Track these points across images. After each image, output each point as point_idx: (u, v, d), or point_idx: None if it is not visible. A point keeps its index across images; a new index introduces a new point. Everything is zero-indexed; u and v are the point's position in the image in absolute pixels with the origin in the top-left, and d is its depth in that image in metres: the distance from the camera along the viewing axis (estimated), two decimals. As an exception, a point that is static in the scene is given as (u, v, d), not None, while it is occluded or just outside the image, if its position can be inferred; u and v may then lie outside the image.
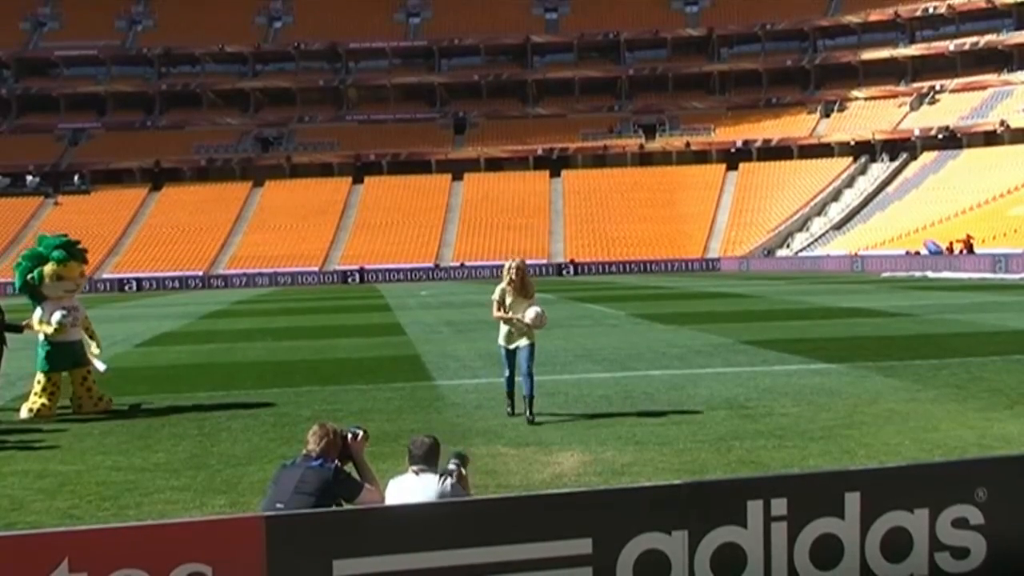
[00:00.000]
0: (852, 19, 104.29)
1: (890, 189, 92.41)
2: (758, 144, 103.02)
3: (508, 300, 12.91)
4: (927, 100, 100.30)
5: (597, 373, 17.69)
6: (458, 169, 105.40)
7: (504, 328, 13.00)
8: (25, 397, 15.27)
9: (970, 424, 11.90)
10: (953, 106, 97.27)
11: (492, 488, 9.04)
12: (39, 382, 14.77)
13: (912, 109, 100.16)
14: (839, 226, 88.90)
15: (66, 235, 15.69)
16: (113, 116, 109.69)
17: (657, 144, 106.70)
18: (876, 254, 73.32)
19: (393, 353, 22.06)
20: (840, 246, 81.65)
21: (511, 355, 13.00)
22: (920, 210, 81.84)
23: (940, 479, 6.55)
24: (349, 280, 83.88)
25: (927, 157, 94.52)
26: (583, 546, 5.90)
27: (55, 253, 15.07)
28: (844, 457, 10.26)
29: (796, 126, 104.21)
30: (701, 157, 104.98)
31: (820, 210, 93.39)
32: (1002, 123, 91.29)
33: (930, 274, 59.65)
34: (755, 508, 6.16)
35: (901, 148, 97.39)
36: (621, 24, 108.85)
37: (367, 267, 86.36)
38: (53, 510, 9.08)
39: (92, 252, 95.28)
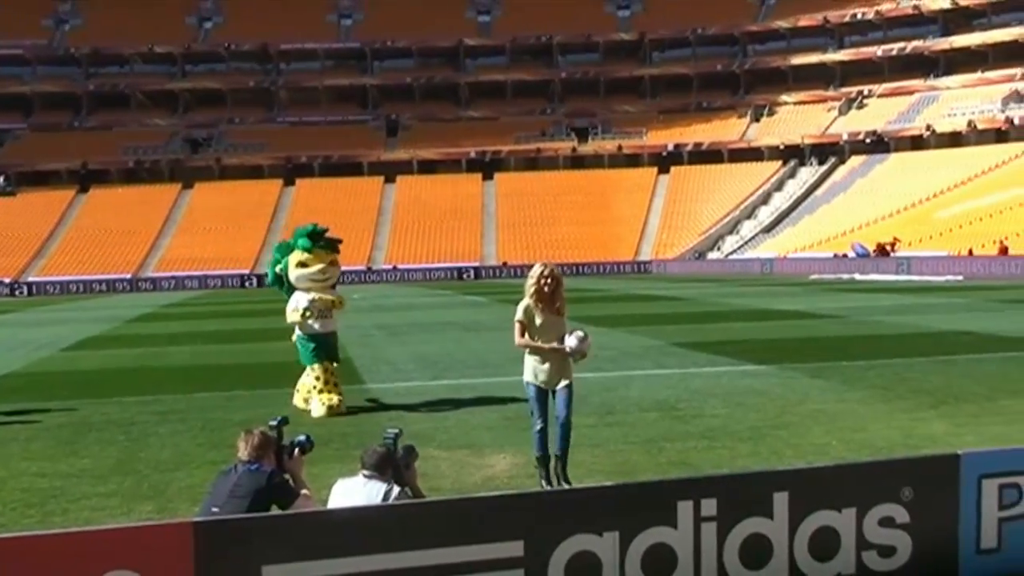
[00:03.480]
0: (782, 24, 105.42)
1: (819, 192, 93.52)
2: (689, 148, 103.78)
3: (537, 320, 9.46)
4: (855, 105, 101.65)
5: (529, 375, 17.72)
6: (390, 171, 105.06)
7: (534, 360, 9.46)
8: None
9: (897, 424, 12.06)
10: (881, 111, 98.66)
11: (424, 491, 9.02)
12: (318, 377, 14.32)
13: (840, 113, 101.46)
14: (768, 229, 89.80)
15: (315, 224, 15.09)
16: (39, 117, 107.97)
17: (589, 147, 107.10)
18: (804, 257, 74.13)
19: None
20: (769, 249, 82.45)
21: (544, 398, 9.44)
22: (848, 213, 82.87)
23: (867, 479, 6.62)
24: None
25: (855, 161, 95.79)
26: (515, 549, 5.90)
27: (299, 242, 14.69)
28: (773, 457, 10.35)
29: (726, 130, 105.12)
30: (633, 160, 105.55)
31: (750, 213, 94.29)
32: (928, 127, 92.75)
33: (857, 276, 60.43)
34: (685, 509, 6.19)
35: (829, 152, 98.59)
36: (553, 27, 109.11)
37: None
38: (-24, 517, 8.91)
39: (17, 255, 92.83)
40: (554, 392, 9.41)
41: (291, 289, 14.73)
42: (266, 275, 15.75)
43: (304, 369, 14.63)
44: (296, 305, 14.50)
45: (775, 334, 24.18)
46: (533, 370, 9.44)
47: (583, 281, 68.06)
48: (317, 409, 14.04)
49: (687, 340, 22.90)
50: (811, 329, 25.42)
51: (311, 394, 14.28)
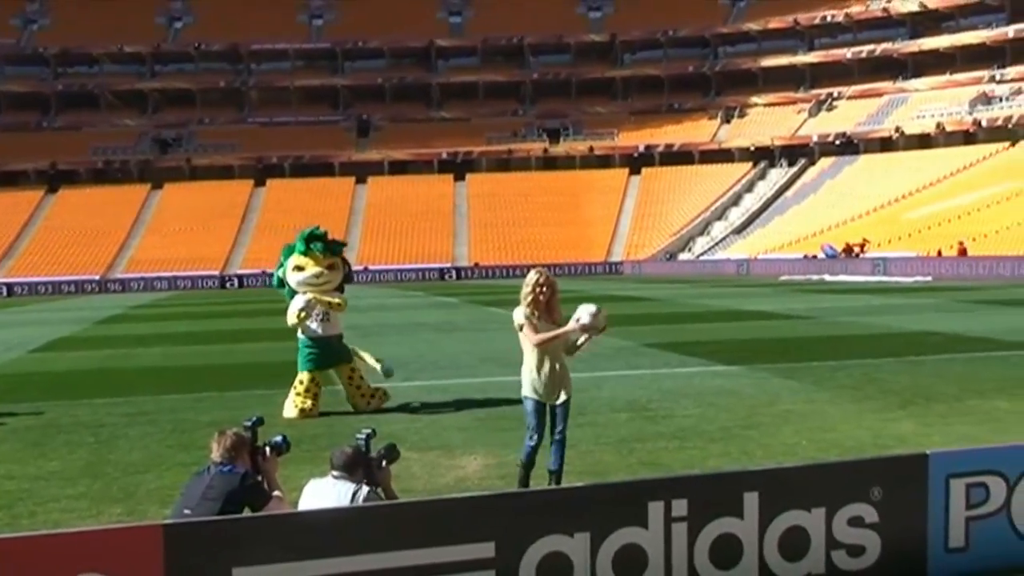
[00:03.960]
0: (752, 27, 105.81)
1: (789, 194, 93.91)
2: (660, 149, 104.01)
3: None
4: (825, 107, 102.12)
5: (502, 376, 17.70)
6: (362, 172, 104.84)
7: (533, 373, 9.04)
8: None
9: (866, 424, 12.13)
10: (850, 113, 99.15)
11: (397, 492, 9.01)
12: (301, 382, 14.37)
13: (810, 115, 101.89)
14: (739, 230, 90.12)
15: (318, 227, 15.16)
16: (8, 116, 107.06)
17: (561, 148, 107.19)
18: (774, 258, 74.45)
19: (295, 358, 21.83)
20: (740, 250, 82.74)
21: (543, 412, 9.09)
22: (818, 214, 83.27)
23: (836, 478, 6.66)
24: (252, 284, 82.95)
25: (825, 162, 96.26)
26: (486, 550, 5.90)
27: (296, 245, 14.76)
28: (743, 458, 10.40)
29: (697, 131, 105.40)
30: (604, 161, 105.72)
31: (721, 214, 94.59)
32: (897, 129, 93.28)
33: (827, 277, 60.74)
34: (656, 509, 6.21)
35: (800, 153, 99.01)
36: (525, 28, 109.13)
37: (270, 271, 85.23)
38: (-57, 520, 8.84)
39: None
40: (553, 407, 9.08)
41: (293, 293, 14.76)
42: (272, 277, 15.73)
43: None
44: (293, 307, 14.50)
45: (746, 335, 24.27)
46: (532, 383, 9.03)
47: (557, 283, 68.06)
48: (288, 410, 14.06)
49: (659, 341, 22.95)
50: (782, 330, 25.53)
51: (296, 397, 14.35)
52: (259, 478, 6.92)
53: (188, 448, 11.68)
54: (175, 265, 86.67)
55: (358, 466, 6.83)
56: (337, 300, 14.64)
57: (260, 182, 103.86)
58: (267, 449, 7.12)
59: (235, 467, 6.73)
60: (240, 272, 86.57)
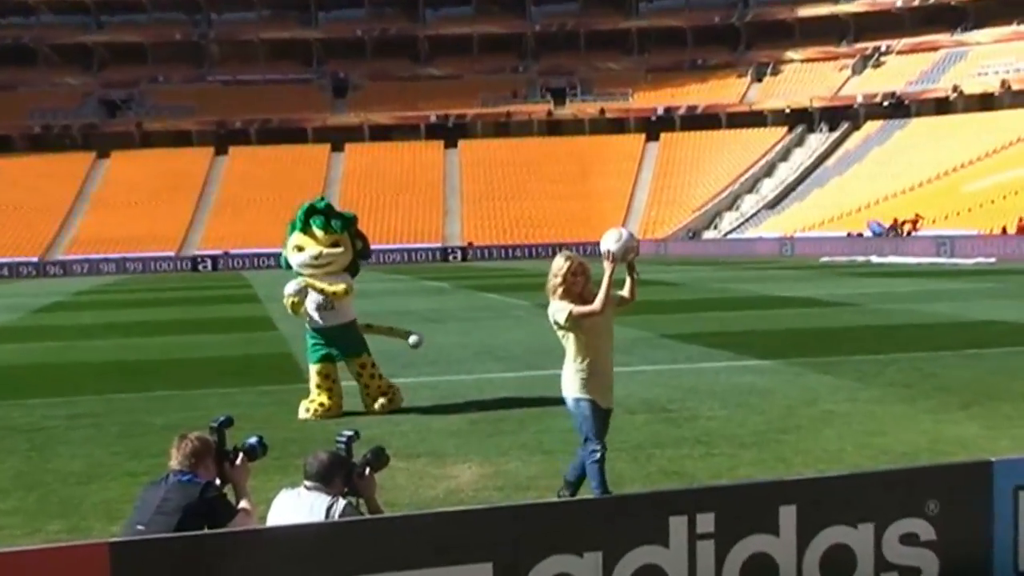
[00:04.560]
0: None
1: (829, 163, 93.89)
2: (681, 112, 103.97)
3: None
4: (871, 63, 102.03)
5: (499, 373, 17.69)
6: (338, 138, 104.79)
7: (583, 369, 8.86)
8: None
9: (920, 427, 12.11)
10: (900, 70, 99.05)
11: (382, 505, 9.00)
12: (311, 377, 14.39)
13: (854, 73, 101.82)
14: (773, 205, 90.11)
15: (322, 198, 14.97)
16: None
17: (567, 111, 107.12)
18: (814, 236, 74.41)
19: (263, 351, 21.88)
20: (774, 227, 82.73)
21: (596, 413, 8.91)
22: (863, 186, 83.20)
23: (886, 490, 6.63)
24: (212, 267, 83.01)
25: (871, 127, 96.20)
26: (482, 572, 5.88)
27: (296, 222, 14.62)
28: (778, 466, 10.37)
29: (724, 91, 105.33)
30: (617, 126, 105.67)
31: (751, 187, 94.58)
32: (955, 89, 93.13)
33: (874, 258, 60.72)
34: (678, 525, 6.18)
35: (842, 117, 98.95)
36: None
37: (232, 252, 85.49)
38: None
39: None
40: (603, 412, 8.91)
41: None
42: (280, 258, 15.53)
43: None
44: (285, 293, 14.41)
45: (781, 324, 24.30)
46: (585, 384, 8.81)
47: (560, 264, 68.19)
48: (301, 410, 14.12)
49: (680, 331, 22.96)
50: (822, 318, 25.53)
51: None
52: (225, 489, 6.88)
53: (139, 455, 11.64)
54: (124, 245, 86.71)
55: (336, 475, 6.77)
56: (334, 288, 14.26)
57: (222, 150, 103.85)
58: (238, 454, 7.07)
59: (196, 476, 6.69)
60: (199, 252, 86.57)
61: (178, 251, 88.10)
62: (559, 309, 8.82)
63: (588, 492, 8.86)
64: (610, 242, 8.81)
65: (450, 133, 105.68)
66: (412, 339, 14.84)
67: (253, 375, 18.22)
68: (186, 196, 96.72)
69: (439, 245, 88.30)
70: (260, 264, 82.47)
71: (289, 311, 14.54)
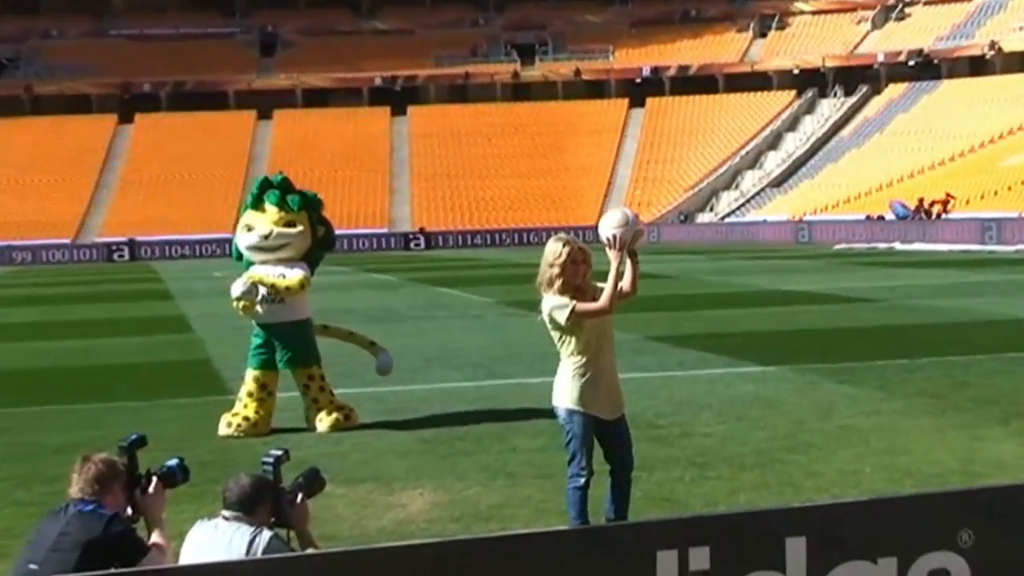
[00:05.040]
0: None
1: (845, 133, 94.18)
2: (671, 73, 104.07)
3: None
4: (894, 15, 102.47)
5: (456, 382, 17.70)
6: (266, 104, 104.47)
7: (580, 375, 8.84)
8: None
9: (951, 444, 12.16)
10: (928, 23, 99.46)
11: (316, 539, 8.98)
12: (245, 384, 14.30)
13: (875, 27, 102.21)
14: (778, 183, 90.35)
15: (280, 172, 15.00)
16: None
17: (537, 72, 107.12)
18: (827, 219, 74.62)
19: (176, 357, 21.88)
20: (779, 209, 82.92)
21: (592, 431, 8.93)
22: (885, 161, 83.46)
23: (912, 518, 6.65)
24: (116, 256, 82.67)
25: (894, 90, 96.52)
26: (435, 617, 5.87)
27: (249, 198, 14.62)
28: (785, 491, 10.42)
29: (722, 48, 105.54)
30: (596, 90, 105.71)
31: (753, 161, 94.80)
32: (992, 45, 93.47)
33: (898, 245, 60.97)
34: (667, 561, 6.18)
35: (860, 78, 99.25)
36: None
37: (139, 239, 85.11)
38: None
39: None
40: (608, 425, 8.92)
41: (250, 264, 14.60)
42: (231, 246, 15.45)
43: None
44: (232, 292, 14.27)
45: (789, 324, 24.40)
46: (579, 390, 8.77)
47: (528, 254, 68.05)
48: (221, 425, 14.05)
49: (670, 332, 23.05)
50: (837, 317, 25.65)
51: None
52: (134, 522, 6.85)
53: (27, 482, 11.60)
54: (10, 232, 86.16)
55: (261, 502, 6.74)
56: (286, 282, 14.12)
57: (127, 117, 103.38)
58: (153, 479, 7.04)
59: (101, 506, 6.65)
60: (101, 240, 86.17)
61: (75, 238, 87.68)
62: (558, 306, 8.71)
63: (564, 521, 8.88)
64: (614, 225, 8.67)
65: (398, 98, 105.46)
66: (379, 362, 14.79)
67: (166, 385, 18.14)
68: (85, 172, 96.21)
69: (385, 230, 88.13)
70: (173, 253, 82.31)
71: (239, 313, 14.43)
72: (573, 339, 8.78)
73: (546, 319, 8.83)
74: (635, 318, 25.52)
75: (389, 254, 78.23)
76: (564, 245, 8.74)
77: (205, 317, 29.71)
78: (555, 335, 8.91)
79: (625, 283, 8.90)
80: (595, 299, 8.75)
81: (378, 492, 10.91)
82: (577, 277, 8.72)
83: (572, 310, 8.63)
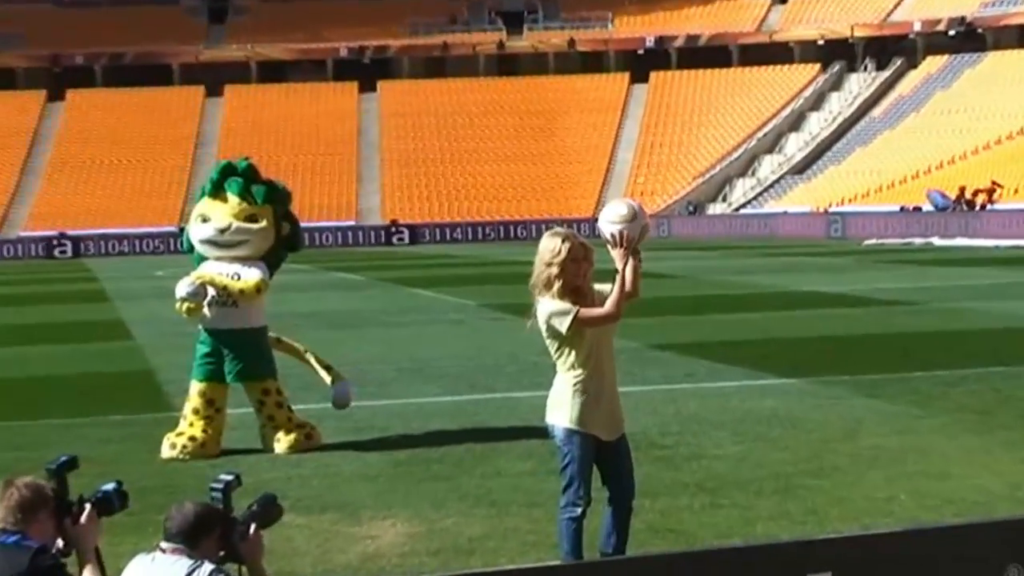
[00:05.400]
0: None
1: (877, 112, 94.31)
2: (679, 43, 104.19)
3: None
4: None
5: (433, 396, 17.69)
6: (216, 79, 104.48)
7: (577, 390, 8.73)
8: None
9: (997, 467, 12.19)
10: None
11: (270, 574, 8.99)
12: (189, 399, 14.28)
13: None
14: (801, 169, 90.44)
15: (245, 158, 14.89)
16: None
17: (526, 42, 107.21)
18: (855, 211, 74.68)
19: (114, 368, 21.91)
20: (802, 199, 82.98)
21: (589, 455, 8.82)
22: (922, 144, 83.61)
23: (953, 550, 6.67)
24: (40, 252, 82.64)
25: (932, 64, 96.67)
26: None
27: (206, 184, 14.58)
28: (808, 520, 10.43)
29: (736, 16, 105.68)
30: (593, 63, 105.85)
31: (772, 145, 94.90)
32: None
33: (936, 240, 61.03)
34: (675, 600, 6.21)
35: (894, 50, 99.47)
36: None
37: (70, 232, 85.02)
38: None
39: None
40: (607, 446, 8.81)
41: (202, 260, 14.52)
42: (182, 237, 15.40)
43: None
44: (177, 292, 14.17)
45: (811, 330, 24.42)
46: (581, 408, 8.66)
47: (517, 250, 68.02)
48: (164, 447, 13.97)
49: (677, 340, 23.07)
50: (866, 323, 25.69)
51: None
52: (65, 555, 6.85)
53: (-57, 510, 11.56)
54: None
55: (206, 533, 6.72)
56: (241, 284, 14.06)
57: (57, 94, 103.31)
58: (86, 506, 7.03)
59: (26, 537, 6.64)
60: (26, 234, 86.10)
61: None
62: (558, 312, 8.57)
63: (555, 556, 8.88)
64: (620, 220, 8.62)
65: (367, 72, 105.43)
66: (335, 392, 14.72)
67: (101, 400, 18.09)
68: (9, 156, 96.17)
69: (352, 223, 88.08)
70: (111, 249, 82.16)
71: (184, 316, 14.35)
72: (573, 350, 8.68)
73: (542, 327, 8.70)
74: (636, 323, 25.52)
75: (357, 250, 78.18)
76: (563, 241, 8.57)
77: (146, 322, 29.65)
78: (552, 345, 8.79)
79: (625, 283, 8.80)
80: (595, 303, 8.65)
81: (344, 523, 10.90)
82: (578, 277, 8.60)
83: (575, 317, 8.51)
